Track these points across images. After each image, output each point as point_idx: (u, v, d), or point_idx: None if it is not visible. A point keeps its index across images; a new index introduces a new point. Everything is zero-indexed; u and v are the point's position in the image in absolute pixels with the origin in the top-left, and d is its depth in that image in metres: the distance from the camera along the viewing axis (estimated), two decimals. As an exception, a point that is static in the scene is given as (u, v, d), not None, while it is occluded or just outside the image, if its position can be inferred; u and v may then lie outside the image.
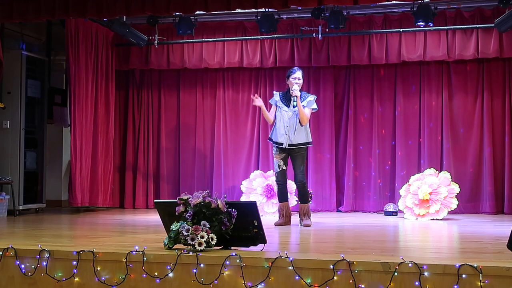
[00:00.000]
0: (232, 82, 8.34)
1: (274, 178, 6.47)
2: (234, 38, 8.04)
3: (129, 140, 8.46)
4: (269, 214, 7.20)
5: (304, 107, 6.07)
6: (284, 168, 6.15)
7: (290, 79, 6.08)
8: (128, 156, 8.43)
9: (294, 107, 6.04)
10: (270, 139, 6.24)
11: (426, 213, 6.88)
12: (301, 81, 6.08)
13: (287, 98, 6.11)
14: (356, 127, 8.02)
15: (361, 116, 8.02)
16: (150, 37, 7.99)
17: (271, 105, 6.28)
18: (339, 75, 8.13)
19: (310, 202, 7.63)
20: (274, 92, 6.39)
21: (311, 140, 6.23)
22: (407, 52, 7.65)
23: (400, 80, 7.92)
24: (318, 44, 7.86)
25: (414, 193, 7.01)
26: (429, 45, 7.59)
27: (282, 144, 6.06)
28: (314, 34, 7.61)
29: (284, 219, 6.18)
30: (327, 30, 7.43)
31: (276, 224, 6.13)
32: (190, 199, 4.12)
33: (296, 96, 5.96)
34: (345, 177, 7.95)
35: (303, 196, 6.17)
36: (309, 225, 6.05)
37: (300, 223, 6.14)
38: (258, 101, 6.16)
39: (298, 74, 6.08)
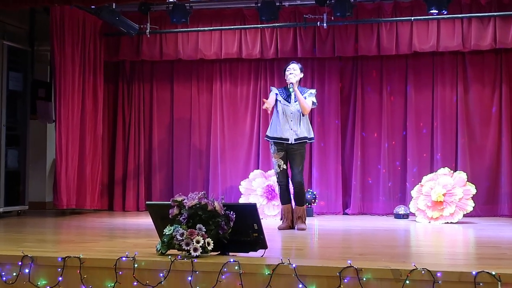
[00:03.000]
0: (230, 74, 8.33)
1: (275, 178, 6.47)
2: (232, 27, 8.03)
3: (118, 137, 8.46)
4: (270, 217, 7.20)
5: (305, 98, 6.14)
6: (285, 167, 6.19)
7: (286, 72, 6.24)
8: (117, 155, 8.42)
9: (295, 101, 6.11)
10: (268, 137, 6.26)
11: (440, 216, 6.87)
12: (296, 72, 6.18)
13: (287, 93, 6.20)
14: (363, 123, 8.01)
15: (369, 112, 8.01)
16: (142, 26, 7.97)
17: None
18: (346, 67, 8.12)
19: (315, 204, 7.67)
20: (272, 87, 6.48)
21: (312, 136, 6.27)
22: (419, 42, 7.63)
23: (412, 72, 7.92)
24: (323, 34, 7.84)
25: (427, 194, 7.00)
26: (442, 34, 7.58)
27: (287, 139, 6.11)
28: (318, 23, 7.59)
29: (288, 223, 6.19)
30: (332, 18, 7.42)
31: (280, 228, 6.13)
32: (184, 201, 4.10)
33: (292, 83, 6.07)
34: (352, 177, 7.95)
35: (299, 198, 6.19)
36: (303, 229, 6.07)
37: (294, 226, 6.17)
38: (269, 104, 6.11)
39: (293, 66, 6.23)
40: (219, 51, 8.11)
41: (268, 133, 6.28)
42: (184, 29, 8.03)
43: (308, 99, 6.16)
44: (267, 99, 6.26)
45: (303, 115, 6.13)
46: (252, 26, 7.95)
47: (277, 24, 7.81)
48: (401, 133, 7.96)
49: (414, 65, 7.91)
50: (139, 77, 8.52)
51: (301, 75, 6.25)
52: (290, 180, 6.28)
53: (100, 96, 8.10)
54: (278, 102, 6.21)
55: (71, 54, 7.58)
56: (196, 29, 8.07)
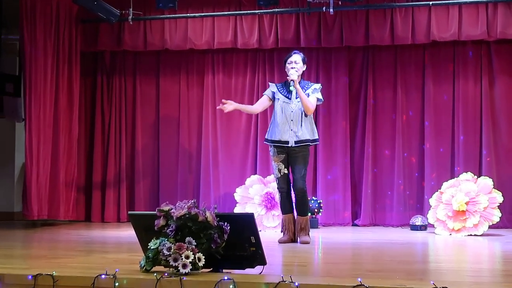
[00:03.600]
0: (223, 66, 8.37)
1: (275, 184, 6.47)
2: (226, 12, 8.06)
3: (97, 138, 8.47)
4: (269, 228, 7.20)
5: (308, 95, 6.12)
6: (286, 172, 6.18)
7: (286, 64, 6.21)
8: (96, 158, 8.43)
9: (296, 97, 6.10)
10: (267, 140, 6.27)
11: (462, 228, 6.88)
12: (299, 65, 6.16)
13: (287, 89, 6.17)
14: (375, 123, 8.05)
15: (382, 109, 8.06)
16: (123, 12, 7.96)
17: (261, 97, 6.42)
18: (355, 59, 8.16)
19: (320, 214, 7.67)
20: (270, 83, 6.46)
21: (317, 137, 6.26)
22: (438, 30, 7.65)
23: (430, 64, 7.95)
24: (329, 21, 7.86)
25: (447, 202, 7.01)
26: (465, 21, 7.60)
27: (287, 142, 6.08)
28: (324, 8, 7.60)
29: (289, 235, 6.18)
30: (340, 3, 7.45)
31: (280, 242, 6.14)
32: (172, 211, 4.10)
33: (293, 81, 6.03)
34: (363, 183, 7.97)
35: (302, 207, 6.18)
36: (307, 242, 6.07)
37: (297, 239, 6.17)
38: (229, 106, 6.19)
39: (295, 57, 6.18)
40: (211, 40, 8.12)
41: (267, 136, 6.27)
42: (171, 15, 8.05)
43: (311, 96, 6.13)
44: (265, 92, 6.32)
45: (306, 115, 6.12)
46: (248, 12, 7.97)
47: (277, 10, 7.83)
48: (417, 134, 7.98)
49: (433, 56, 7.95)
50: (121, 70, 8.54)
51: (304, 68, 6.24)
52: (291, 187, 6.29)
53: (76, 91, 8.09)
54: (277, 100, 6.20)
55: (43, 44, 7.58)
56: (185, 15, 8.09)
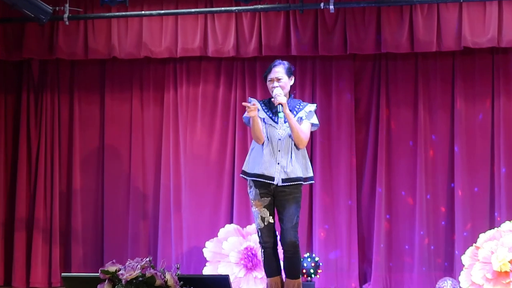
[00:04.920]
0: (189, 80, 8.37)
1: (257, 237, 6.44)
2: (193, 10, 8.04)
3: (21, 174, 8.42)
4: (250, 295, 7.18)
5: (301, 119, 6.05)
6: (272, 221, 6.08)
7: (267, 81, 6.11)
8: (19, 202, 8.37)
9: (285, 122, 6.03)
10: (245, 173, 6.18)
11: (505, 293, 6.91)
12: (284, 81, 6.04)
13: (271, 109, 6.10)
14: (390, 153, 8.05)
15: (398, 135, 8.06)
16: (58, 9, 7.95)
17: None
18: (363, 71, 8.19)
19: (318, 276, 7.65)
20: (251, 99, 6.24)
21: (311, 175, 6.18)
22: (472, 33, 7.67)
23: (461, 77, 7.96)
24: (329, 21, 7.89)
25: (486, 261, 7.00)
26: (506, 22, 7.62)
27: (272, 179, 6.00)
28: (322, 5, 7.63)
29: (276, 305, 6.16)
30: (343, -2, 7.54)
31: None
32: (120, 272, 4.08)
33: (281, 104, 5.92)
34: (374, 235, 7.95)
35: (293, 267, 6.10)
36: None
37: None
38: (253, 111, 5.97)
39: (277, 71, 6.06)
40: (174, 46, 8.11)
41: (245, 168, 6.17)
42: (121, 13, 8.05)
43: (304, 123, 6.07)
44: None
45: (297, 147, 6.06)
46: (223, 9, 7.95)
47: (260, 6, 7.83)
48: (446, 168, 7.99)
49: (465, 67, 7.97)
50: (53, 84, 8.51)
51: (291, 81, 6.14)
52: (279, 240, 6.24)
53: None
54: (262, 119, 6.08)
55: None
56: (140, 13, 8.08)
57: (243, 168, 6.19)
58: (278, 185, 6.01)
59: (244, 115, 6.19)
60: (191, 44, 8.09)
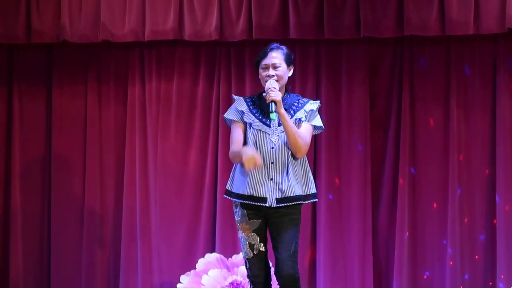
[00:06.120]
0: (160, 70, 8.44)
1: (245, 269, 6.51)
2: (164, -18, 8.08)
3: None
4: None
5: (299, 121, 6.07)
6: (263, 249, 6.12)
7: (259, 69, 6.11)
8: None
9: (280, 125, 6.04)
10: (229, 193, 6.17)
11: None
12: (281, 70, 6.04)
13: (263, 108, 6.12)
14: (415, 164, 8.13)
15: (424, 141, 8.14)
16: (-9, -20, 8.05)
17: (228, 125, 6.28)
18: (381, 59, 8.27)
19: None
20: (234, 97, 6.31)
21: (314, 191, 6.20)
22: (518, 12, 7.77)
23: (504, 67, 8.03)
24: (337, -4, 7.91)
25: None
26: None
27: (264, 200, 6.01)
28: (328, -23, 7.73)
29: None
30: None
31: None
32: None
33: (275, 102, 5.91)
34: (395, 265, 8.02)
35: None
36: None
37: None
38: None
39: (274, 56, 6.06)
40: (140, 27, 8.12)
41: (228, 186, 6.17)
42: (73, -14, 8.05)
43: (303, 126, 6.06)
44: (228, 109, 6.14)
45: (295, 158, 6.10)
46: (203, -19, 7.97)
47: (249, -21, 7.87)
48: (484, 180, 8.08)
49: (510, 55, 8.04)
50: (-15, 76, 8.54)
51: (290, 72, 6.16)
52: (274, 273, 6.22)
53: None
54: (248, 126, 6.12)
55: None
56: (96, -15, 8.08)
57: (226, 187, 6.18)
58: (273, 207, 6.00)
59: (225, 114, 6.24)
60: (163, 25, 8.10)
